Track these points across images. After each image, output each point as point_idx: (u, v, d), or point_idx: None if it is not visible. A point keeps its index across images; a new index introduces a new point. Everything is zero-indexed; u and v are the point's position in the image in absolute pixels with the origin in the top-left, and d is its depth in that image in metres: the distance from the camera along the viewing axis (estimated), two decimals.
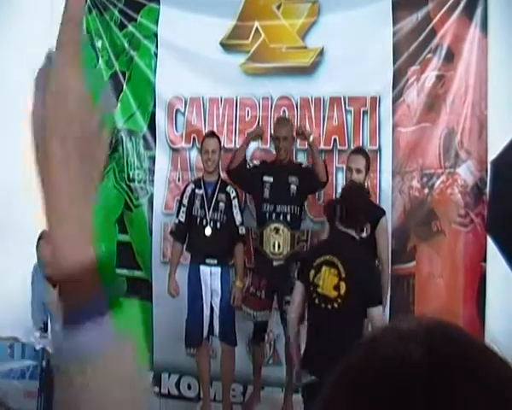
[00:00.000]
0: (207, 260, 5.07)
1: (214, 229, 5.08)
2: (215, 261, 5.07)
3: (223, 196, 5.12)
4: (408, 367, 0.57)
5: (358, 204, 4.01)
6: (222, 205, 5.11)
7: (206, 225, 5.09)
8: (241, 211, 5.18)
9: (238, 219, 5.12)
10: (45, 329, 4.93)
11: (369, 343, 0.63)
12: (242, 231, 5.14)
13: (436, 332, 0.60)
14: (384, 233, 4.80)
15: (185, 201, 5.19)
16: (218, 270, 5.09)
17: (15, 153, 5.75)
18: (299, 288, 4.04)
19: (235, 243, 5.14)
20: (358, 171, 4.76)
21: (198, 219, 5.12)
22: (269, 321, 5.19)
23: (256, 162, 5.35)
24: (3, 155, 5.79)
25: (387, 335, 0.62)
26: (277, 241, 5.06)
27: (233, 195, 5.15)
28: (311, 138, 4.99)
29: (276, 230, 5.07)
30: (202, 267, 5.09)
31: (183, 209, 5.19)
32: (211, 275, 5.08)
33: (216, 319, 5.09)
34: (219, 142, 5.21)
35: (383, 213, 4.84)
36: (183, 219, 5.19)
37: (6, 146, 5.80)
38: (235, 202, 5.13)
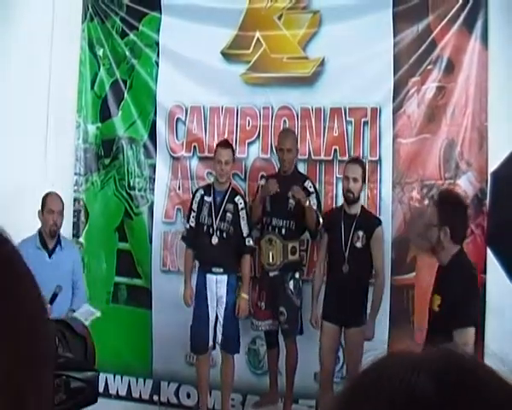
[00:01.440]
0: (214, 269, 5.07)
1: (221, 238, 5.09)
2: (221, 270, 5.07)
3: (231, 207, 5.12)
4: (417, 404, 0.55)
5: (463, 213, 3.84)
6: (229, 215, 5.10)
7: (213, 233, 5.09)
8: (249, 223, 5.16)
9: (245, 231, 5.12)
10: None
11: (378, 369, 0.61)
12: (249, 242, 5.13)
13: (450, 365, 0.58)
14: (379, 243, 4.82)
15: (195, 206, 5.20)
16: (224, 278, 5.09)
17: (16, 154, 5.77)
18: None
19: (241, 255, 5.15)
20: (355, 180, 4.78)
21: (205, 227, 5.13)
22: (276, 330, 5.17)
23: (263, 183, 5.30)
24: (3, 156, 5.79)
25: (398, 362, 0.60)
26: (271, 252, 5.09)
27: (241, 206, 5.14)
28: (307, 203, 4.94)
29: (270, 241, 5.10)
30: (209, 276, 5.09)
31: (193, 215, 5.20)
32: (217, 283, 5.08)
33: (220, 327, 5.09)
34: (233, 152, 5.20)
35: (379, 222, 4.88)
36: (193, 225, 5.20)
37: (6, 148, 5.81)
38: (242, 214, 5.12)
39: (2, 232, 0.65)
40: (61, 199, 4.96)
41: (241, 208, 5.13)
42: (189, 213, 5.25)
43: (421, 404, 0.55)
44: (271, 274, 5.11)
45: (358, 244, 4.78)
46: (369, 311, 4.81)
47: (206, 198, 5.17)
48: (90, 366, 1.26)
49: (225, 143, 5.25)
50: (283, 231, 5.07)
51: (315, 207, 5.01)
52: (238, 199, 5.16)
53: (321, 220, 4.97)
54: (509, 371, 0.59)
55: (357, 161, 5.00)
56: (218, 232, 5.09)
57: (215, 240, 5.08)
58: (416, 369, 0.57)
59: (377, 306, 4.77)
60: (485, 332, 4.54)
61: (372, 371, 0.61)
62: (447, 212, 3.73)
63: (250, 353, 5.51)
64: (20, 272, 0.63)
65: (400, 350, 0.63)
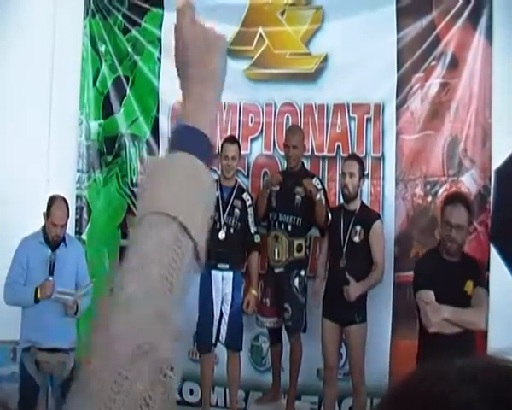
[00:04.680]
0: (219, 265, 5.05)
1: (228, 234, 5.07)
2: (227, 266, 5.06)
3: (238, 203, 5.12)
4: None
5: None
6: (237, 211, 5.10)
7: (220, 228, 5.07)
8: (256, 220, 5.16)
9: (253, 228, 5.13)
10: None
11: (422, 383, 0.58)
12: (258, 239, 5.15)
13: (501, 377, 0.56)
14: (378, 236, 4.80)
15: None
16: (229, 275, 5.08)
17: (18, 152, 5.77)
18: None
19: (250, 252, 5.15)
20: (351, 174, 4.78)
21: (212, 222, 5.09)
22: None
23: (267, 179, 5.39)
24: (5, 153, 5.78)
25: (444, 375, 0.58)
26: (277, 248, 5.08)
27: (249, 203, 5.15)
28: (318, 196, 4.92)
29: (276, 237, 5.09)
30: (214, 272, 5.06)
31: None
32: (222, 280, 5.07)
33: (224, 325, 5.07)
34: (239, 148, 5.20)
35: (377, 217, 4.88)
36: None
37: (8, 144, 5.80)
38: (250, 211, 5.13)
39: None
40: (66, 205, 4.80)
41: (249, 205, 5.14)
42: None
43: None
44: (277, 271, 5.11)
45: (356, 239, 4.78)
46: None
47: None
48: None
49: (232, 139, 5.24)
50: (289, 227, 5.06)
51: (323, 203, 4.99)
52: (246, 196, 5.17)
53: (330, 216, 4.94)
54: None
55: (354, 157, 5.01)
56: (226, 227, 5.08)
57: (222, 235, 5.06)
58: (466, 381, 0.55)
59: (369, 282, 4.73)
60: (488, 329, 4.51)
61: (414, 384, 0.59)
62: (471, 213, 4.13)
63: (253, 349, 5.51)
64: None
65: (444, 360, 0.61)
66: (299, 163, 5.16)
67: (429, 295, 3.91)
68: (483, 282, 3.94)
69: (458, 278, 3.90)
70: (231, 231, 5.10)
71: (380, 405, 0.61)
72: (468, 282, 3.89)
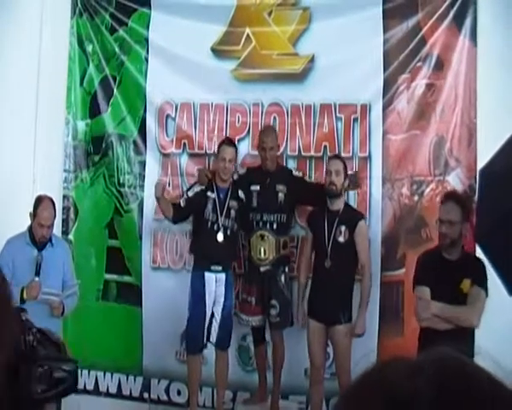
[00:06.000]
0: (213, 267, 5.04)
1: (225, 236, 5.08)
2: (220, 268, 5.06)
3: (234, 203, 5.12)
4: (416, 404, 0.55)
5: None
6: (233, 212, 5.11)
7: (218, 230, 5.07)
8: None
9: None
10: None
11: (377, 375, 0.61)
12: None
13: (448, 368, 0.58)
14: (363, 236, 4.84)
15: (190, 194, 5.16)
16: (222, 276, 5.07)
17: (5, 151, 5.75)
18: None
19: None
20: (337, 172, 4.82)
21: (209, 223, 5.10)
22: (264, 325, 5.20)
23: (242, 171, 5.38)
24: (2, 157, 5.76)
25: (396, 368, 0.60)
26: (263, 247, 5.10)
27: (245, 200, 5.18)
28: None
29: (262, 236, 5.11)
30: (207, 274, 5.05)
31: (185, 197, 5.16)
32: (216, 282, 5.06)
33: (215, 325, 5.06)
34: (236, 151, 5.19)
35: (361, 217, 4.90)
36: (182, 204, 5.14)
37: (4, 148, 5.79)
38: None
39: None
40: (53, 205, 4.77)
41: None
42: (181, 196, 5.21)
43: (420, 404, 0.55)
44: (263, 269, 5.11)
45: (341, 239, 4.80)
46: (357, 307, 4.82)
47: (209, 194, 5.13)
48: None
49: (230, 141, 5.23)
50: (275, 225, 5.09)
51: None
52: (241, 194, 5.18)
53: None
54: (500, 370, 0.59)
55: (338, 156, 5.06)
56: (223, 229, 5.08)
57: (221, 237, 5.06)
58: (415, 373, 0.57)
59: (365, 300, 4.77)
60: (474, 332, 4.55)
61: (371, 377, 0.62)
62: (467, 210, 4.13)
63: (240, 349, 5.51)
64: None
65: (399, 356, 0.63)
66: (275, 163, 5.20)
67: (424, 291, 3.98)
68: (481, 281, 3.93)
69: (455, 276, 3.94)
70: (228, 232, 5.10)
71: (336, 405, 0.63)
72: (465, 280, 3.92)
